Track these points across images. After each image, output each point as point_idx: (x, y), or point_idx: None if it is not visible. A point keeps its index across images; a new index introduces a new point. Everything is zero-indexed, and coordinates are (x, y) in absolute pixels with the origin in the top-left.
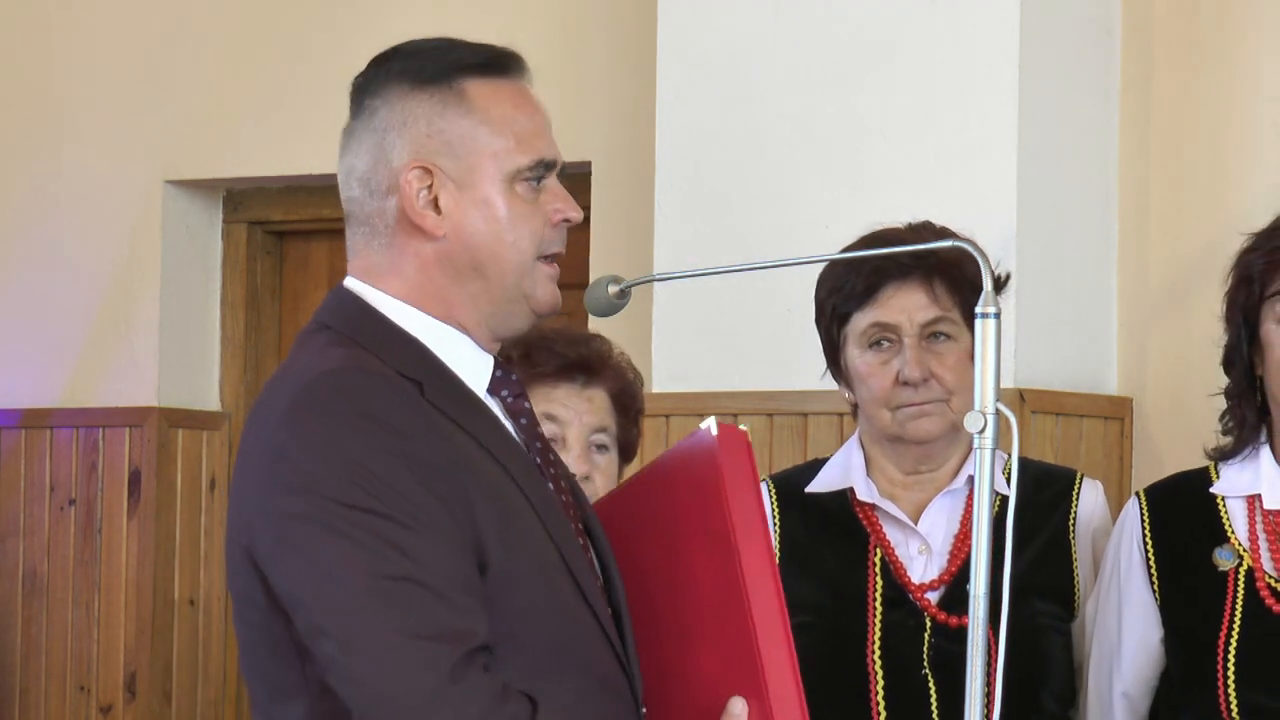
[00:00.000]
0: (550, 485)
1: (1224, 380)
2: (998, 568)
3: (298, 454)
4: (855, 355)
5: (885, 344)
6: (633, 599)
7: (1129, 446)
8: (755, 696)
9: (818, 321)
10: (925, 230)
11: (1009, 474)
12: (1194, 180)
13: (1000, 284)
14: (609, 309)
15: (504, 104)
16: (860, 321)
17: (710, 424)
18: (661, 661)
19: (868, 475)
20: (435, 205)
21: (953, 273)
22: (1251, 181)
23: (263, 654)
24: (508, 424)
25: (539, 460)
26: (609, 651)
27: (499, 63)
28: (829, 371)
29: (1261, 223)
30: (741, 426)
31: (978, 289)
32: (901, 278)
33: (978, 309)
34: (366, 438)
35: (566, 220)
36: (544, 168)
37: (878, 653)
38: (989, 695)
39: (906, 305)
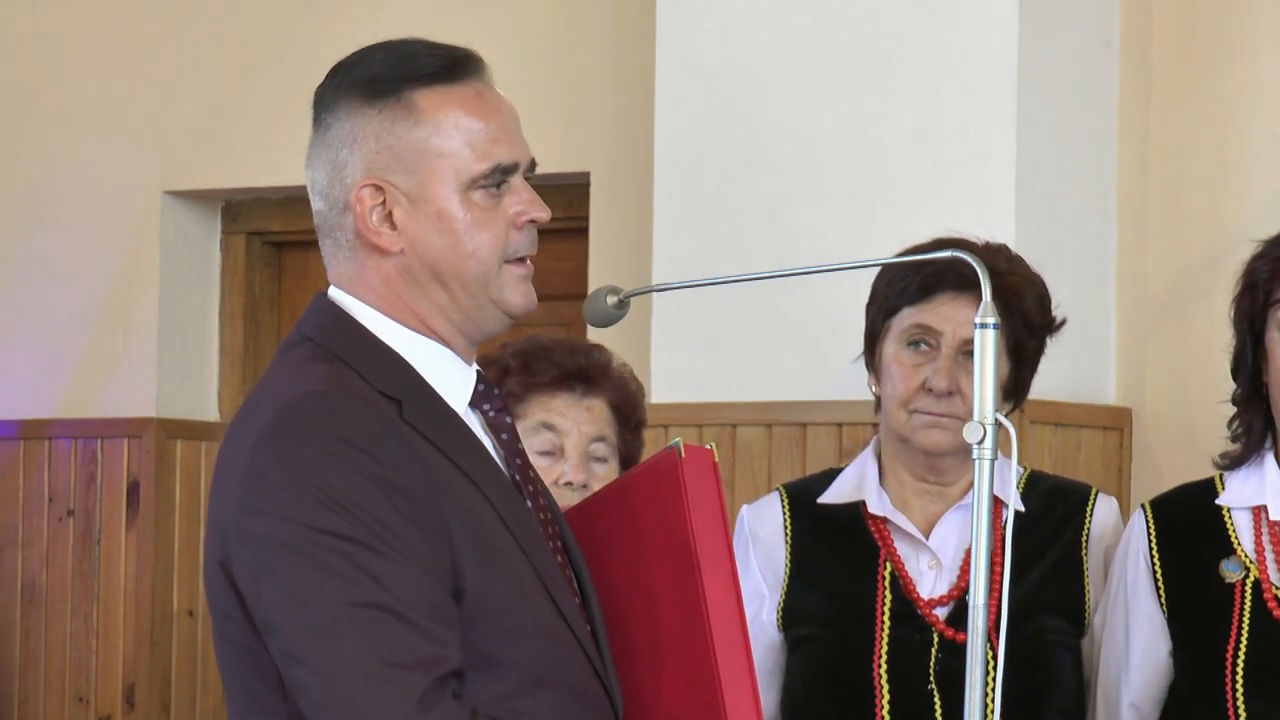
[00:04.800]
0: (528, 503)
1: (1225, 389)
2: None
3: (273, 477)
4: (891, 349)
5: (923, 346)
6: (605, 613)
7: (1128, 457)
8: None
9: (868, 308)
10: (998, 254)
11: (1023, 487)
12: (1192, 190)
13: (1054, 327)
14: (608, 320)
15: (455, 111)
16: (906, 319)
17: (677, 444)
18: (630, 681)
19: (881, 485)
20: (390, 221)
21: (1009, 300)
22: (1250, 191)
23: (243, 670)
24: (487, 440)
25: (518, 477)
26: (588, 667)
27: (452, 68)
28: (863, 358)
29: (1260, 232)
30: (708, 445)
31: (1030, 321)
32: (958, 289)
33: (976, 319)
34: (342, 463)
35: (532, 221)
36: (501, 173)
37: (884, 667)
38: (991, 709)
39: (954, 316)
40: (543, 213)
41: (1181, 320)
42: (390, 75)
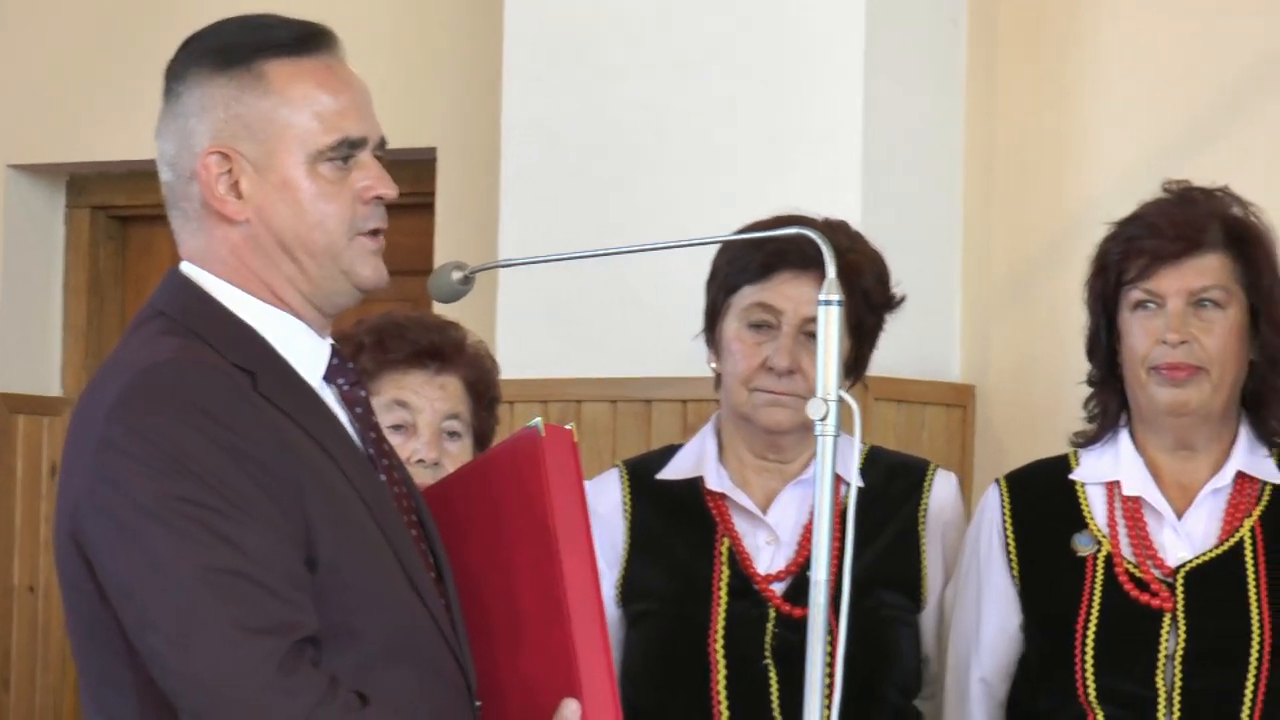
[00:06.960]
0: (383, 476)
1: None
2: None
3: (125, 445)
4: (731, 328)
5: (764, 326)
6: (462, 592)
7: (971, 434)
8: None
9: (708, 285)
10: (839, 231)
11: (862, 463)
12: (1037, 170)
13: (893, 304)
14: (453, 295)
15: (306, 83)
16: (746, 297)
17: (537, 423)
18: (493, 657)
19: (720, 462)
20: (236, 190)
21: (850, 277)
22: (1094, 172)
23: (93, 644)
24: (342, 413)
25: (372, 451)
26: (442, 643)
27: (305, 41)
28: (704, 336)
29: (1105, 212)
30: (567, 426)
31: (870, 298)
32: (800, 267)
33: (821, 295)
34: (194, 431)
35: (378, 197)
36: (349, 146)
37: (720, 642)
38: (830, 684)
39: (795, 295)
40: (389, 189)
41: (1026, 298)
42: (242, 45)
